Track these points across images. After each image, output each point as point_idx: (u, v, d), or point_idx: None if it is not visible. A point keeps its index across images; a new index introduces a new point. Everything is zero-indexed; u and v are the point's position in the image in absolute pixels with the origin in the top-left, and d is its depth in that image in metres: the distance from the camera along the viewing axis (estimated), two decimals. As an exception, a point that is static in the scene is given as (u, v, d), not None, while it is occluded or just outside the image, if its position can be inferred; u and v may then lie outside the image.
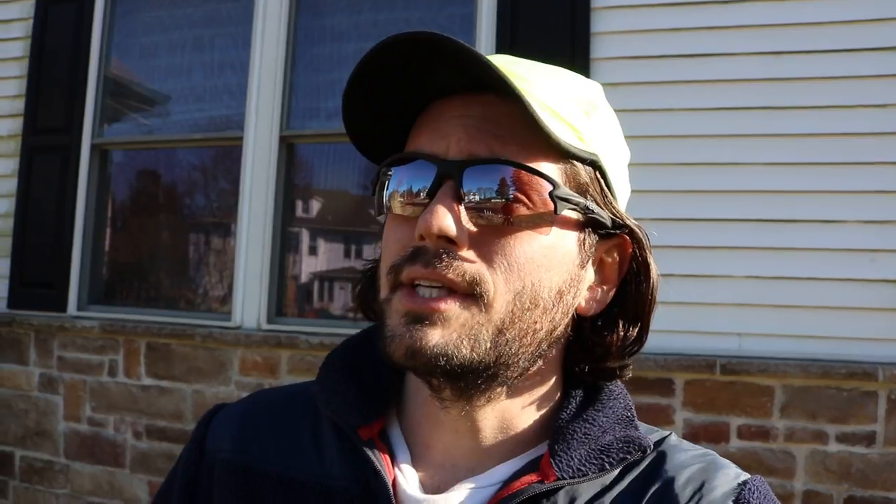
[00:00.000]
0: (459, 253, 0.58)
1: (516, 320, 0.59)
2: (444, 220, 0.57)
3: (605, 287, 0.66)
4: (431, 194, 0.59)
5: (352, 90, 0.61)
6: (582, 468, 0.60)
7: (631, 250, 0.66)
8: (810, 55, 3.06)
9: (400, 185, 0.62)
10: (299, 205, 4.01)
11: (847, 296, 2.96)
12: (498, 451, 0.64)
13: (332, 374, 0.70)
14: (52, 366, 4.01)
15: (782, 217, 3.04)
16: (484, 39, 3.41)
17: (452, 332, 0.58)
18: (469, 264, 0.58)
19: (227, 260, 3.97)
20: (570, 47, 3.25)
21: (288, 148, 3.79)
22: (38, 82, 4.22)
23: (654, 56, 3.23)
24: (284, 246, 3.79)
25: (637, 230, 0.65)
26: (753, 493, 0.62)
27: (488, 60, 0.56)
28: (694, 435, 3.00)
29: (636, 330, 0.67)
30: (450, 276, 0.58)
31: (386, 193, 0.63)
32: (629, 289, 0.66)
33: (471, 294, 0.58)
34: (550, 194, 0.59)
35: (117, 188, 4.37)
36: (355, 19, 3.87)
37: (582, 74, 0.69)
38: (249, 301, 3.70)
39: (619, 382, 0.70)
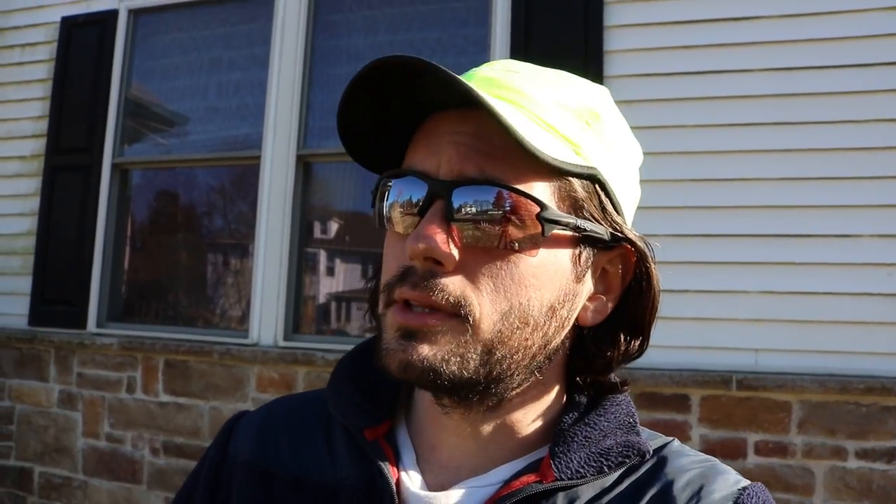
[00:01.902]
0: (446, 274, 0.59)
1: (505, 339, 0.60)
2: (431, 241, 0.58)
3: (607, 296, 0.67)
4: (422, 213, 0.60)
5: (346, 107, 0.63)
6: (581, 470, 0.62)
7: (634, 260, 0.66)
8: (822, 70, 3.07)
9: (398, 198, 0.63)
10: (316, 224, 4.05)
11: (864, 310, 2.94)
12: (501, 453, 0.66)
13: (341, 380, 0.73)
14: (72, 382, 4.05)
15: (797, 232, 3.04)
16: (497, 59, 3.44)
17: (440, 348, 0.59)
18: (454, 286, 0.59)
19: (245, 277, 4.01)
20: (582, 65, 3.28)
21: (305, 167, 3.84)
22: (60, 103, 4.31)
23: (667, 73, 3.25)
24: (301, 263, 3.83)
25: (638, 241, 0.65)
26: (752, 499, 0.62)
27: (462, 82, 0.56)
28: (710, 451, 2.97)
29: (637, 342, 0.67)
30: (433, 298, 0.59)
31: (386, 205, 0.64)
32: (631, 299, 0.66)
33: (457, 315, 0.59)
34: (538, 216, 0.59)
35: (137, 207, 4.43)
36: (371, 40, 3.93)
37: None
38: (266, 318, 3.73)
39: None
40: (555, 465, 0.62)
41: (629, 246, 0.65)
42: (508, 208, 0.59)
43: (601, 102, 0.67)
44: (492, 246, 0.59)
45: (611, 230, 0.63)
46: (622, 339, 0.66)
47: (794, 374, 2.95)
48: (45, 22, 4.44)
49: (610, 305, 0.66)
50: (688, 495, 0.61)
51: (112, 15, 4.25)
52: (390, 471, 0.64)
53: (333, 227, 4.11)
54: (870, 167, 2.99)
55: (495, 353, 0.60)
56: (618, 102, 0.68)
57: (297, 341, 3.69)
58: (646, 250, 0.65)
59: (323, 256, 4.04)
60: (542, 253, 0.61)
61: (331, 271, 4.05)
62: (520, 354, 0.61)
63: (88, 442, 3.98)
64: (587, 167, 0.62)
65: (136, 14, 4.26)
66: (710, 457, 0.67)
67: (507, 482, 0.63)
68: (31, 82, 4.44)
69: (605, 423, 0.65)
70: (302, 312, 3.86)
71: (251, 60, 4.06)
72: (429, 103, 0.63)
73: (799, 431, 2.93)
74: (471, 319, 0.59)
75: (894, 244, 2.95)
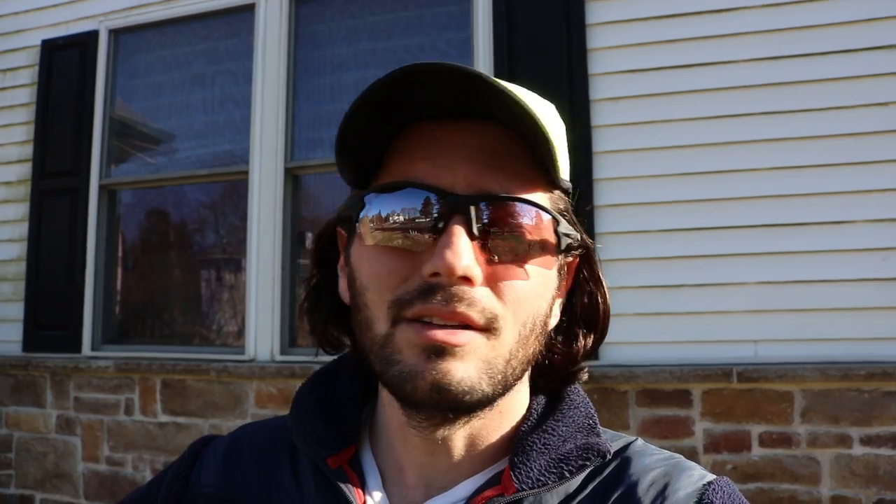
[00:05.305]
0: (475, 290, 0.57)
1: (520, 349, 0.60)
2: (467, 259, 0.56)
3: (560, 300, 0.68)
4: (439, 230, 0.57)
5: (357, 115, 0.59)
6: (541, 478, 0.61)
7: (577, 262, 0.68)
8: (808, 58, 3.06)
9: (394, 213, 0.59)
10: (307, 235, 4.02)
11: (861, 296, 2.93)
12: (468, 467, 0.65)
13: (302, 407, 0.72)
14: (69, 407, 4.02)
15: (791, 221, 3.03)
16: (481, 62, 3.44)
17: (474, 366, 0.58)
18: (487, 301, 0.58)
19: (238, 293, 3.99)
20: (567, 64, 3.27)
21: (293, 179, 3.82)
22: (45, 127, 4.28)
23: (653, 68, 3.24)
24: (294, 276, 3.80)
25: (590, 244, 0.68)
26: (717, 494, 0.61)
27: (519, 98, 0.55)
28: (715, 445, 2.97)
29: (594, 337, 0.70)
30: (472, 315, 0.57)
31: (371, 218, 0.60)
32: (580, 299, 0.69)
33: (487, 330, 0.58)
34: (556, 230, 0.60)
35: (126, 227, 4.40)
36: (354, 48, 3.91)
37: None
38: (262, 333, 3.70)
39: (581, 391, 0.70)
40: (515, 476, 0.61)
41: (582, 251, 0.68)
42: (531, 223, 0.59)
43: (558, 116, 0.69)
44: (514, 260, 0.59)
45: (578, 238, 0.65)
46: (580, 335, 0.69)
47: (795, 363, 2.94)
48: (26, 46, 4.41)
49: (560, 307, 0.68)
50: (653, 494, 0.61)
51: (92, 36, 4.23)
52: (356, 497, 0.64)
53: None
54: (860, 153, 2.98)
55: (512, 363, 0.60)
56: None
57: (294, 355, 3.66)
58: (593, 253, 0.69)
59: (316, 268, 4.01)
60: (552, 264, 0.62)
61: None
62: (525, 362, 0.62)
63: (89, 466, 3.94)
64: (566, 179, 0.64)
65: (116, 34, 4.24)
66: (674, 454, 0.67)
67: (470, 498, 0.62)
68: (14, 107, 4.41)
69: (564, 428, 0.65)
70: (297, 325, 3.84)
71: (235, 75, 4.04)
72: (411, 111, 0.60)
73: (802, 421, 2.92)
74: (499, 333, 0.59)
75: (889, 228, 2.94)
